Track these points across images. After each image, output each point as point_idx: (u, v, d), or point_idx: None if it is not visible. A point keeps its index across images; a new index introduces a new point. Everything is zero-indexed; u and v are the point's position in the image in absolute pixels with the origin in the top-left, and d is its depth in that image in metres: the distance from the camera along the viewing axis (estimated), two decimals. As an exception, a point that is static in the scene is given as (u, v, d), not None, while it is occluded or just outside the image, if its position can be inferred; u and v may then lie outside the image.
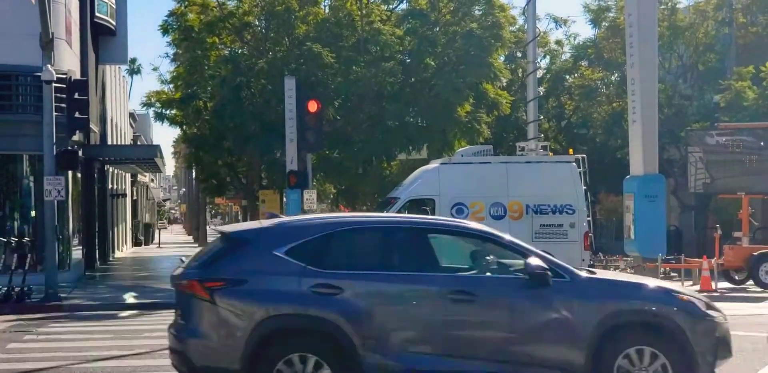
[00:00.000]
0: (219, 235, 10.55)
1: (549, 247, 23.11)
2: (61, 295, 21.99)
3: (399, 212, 23.13)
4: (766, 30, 39.12)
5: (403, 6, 35.09)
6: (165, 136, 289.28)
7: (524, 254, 10.00)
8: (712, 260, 24.48)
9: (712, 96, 38.95)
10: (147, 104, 39.80)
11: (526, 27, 34.80)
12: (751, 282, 24.46)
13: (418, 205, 23.48)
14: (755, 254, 24.23)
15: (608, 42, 40.10)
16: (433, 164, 24.89)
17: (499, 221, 23.04)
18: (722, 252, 25.20)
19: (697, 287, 23.74)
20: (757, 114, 33.43)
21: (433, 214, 23.25)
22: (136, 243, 59.74)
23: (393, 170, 35.86)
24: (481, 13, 33.32)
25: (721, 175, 26.90)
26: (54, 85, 21.81)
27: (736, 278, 25.12)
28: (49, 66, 21.81)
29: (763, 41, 38.68)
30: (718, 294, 22.90)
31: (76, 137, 27.30)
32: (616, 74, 40.87)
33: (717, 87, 37.03)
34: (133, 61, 62.70)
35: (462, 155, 25.13)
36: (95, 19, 33.05)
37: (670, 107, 37.36)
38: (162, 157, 42.08)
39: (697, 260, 25.45)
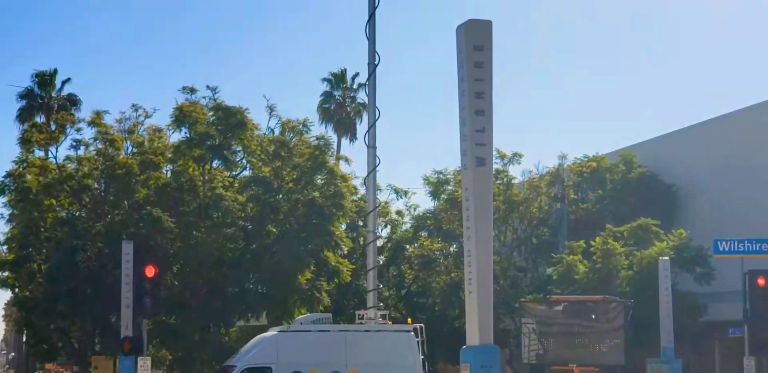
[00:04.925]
0: None
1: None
2: None
3: (234, 380, 22.69)
4: (596, 206, 40.84)
5: (247, 173, 35.46)
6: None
7: None
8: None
9: (545, 268, 40.05)
10: (-22, 265, 38.55)
11: (367, 197, 35.36)
12: None
13: (254, 373, 23.05)
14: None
15: (447, 214, 41.06)
16: (272, 332, 24.65)
17: (336, 391, 22.83)
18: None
19: None
20: (588, 287, 34.40)
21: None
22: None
23: (231, 337, 35.25)
24: (323, 182, 33.86)
25: (553, 346, 27.43)
26: None
27: None
28: None
29: (593, 217, 40.28)
30: None
31: None
32: (455, 245, 41.68)
33: (550, 260, 38.14)
34: (-33, 220, 61.15)
35: (301, 323, 24.97)
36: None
37: (506, 279, 38.16)
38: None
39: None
